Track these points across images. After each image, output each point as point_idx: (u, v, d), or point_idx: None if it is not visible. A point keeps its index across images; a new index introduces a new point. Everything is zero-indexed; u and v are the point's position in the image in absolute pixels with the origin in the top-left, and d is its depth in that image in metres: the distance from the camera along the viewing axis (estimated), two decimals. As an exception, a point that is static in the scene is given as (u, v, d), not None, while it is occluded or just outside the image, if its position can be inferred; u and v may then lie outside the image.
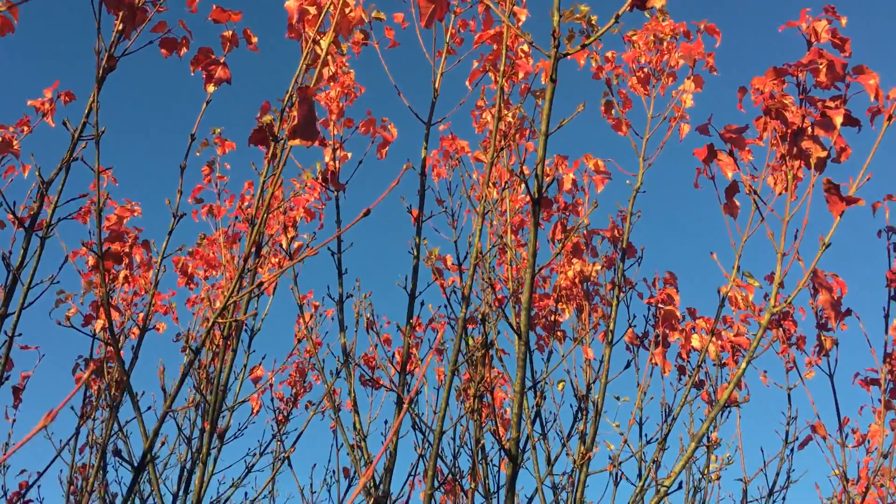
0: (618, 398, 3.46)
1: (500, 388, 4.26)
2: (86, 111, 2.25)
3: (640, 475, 2.79)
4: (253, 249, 1.67)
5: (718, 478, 4.22)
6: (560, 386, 3.52)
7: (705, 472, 3.66)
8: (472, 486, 2.27)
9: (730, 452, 4.18)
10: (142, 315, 4.90)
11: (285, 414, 4.90)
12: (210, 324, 1.64)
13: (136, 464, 1.74)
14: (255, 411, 4.63)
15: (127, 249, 3.31)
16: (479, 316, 2.25)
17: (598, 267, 3.40)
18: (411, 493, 2.77)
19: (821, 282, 2.83)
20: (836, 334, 3.46)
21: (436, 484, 2.40)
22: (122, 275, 3.36)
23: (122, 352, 3.60)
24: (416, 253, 3.06)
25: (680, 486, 2.20)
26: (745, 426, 3.68)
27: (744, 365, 2.08)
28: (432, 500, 2.26)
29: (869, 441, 3.25)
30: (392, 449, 2.84)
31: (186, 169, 2.46)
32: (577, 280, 3.77)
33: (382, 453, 2.27)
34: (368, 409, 4.47)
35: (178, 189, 2.38)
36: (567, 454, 2.92)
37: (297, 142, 1.50)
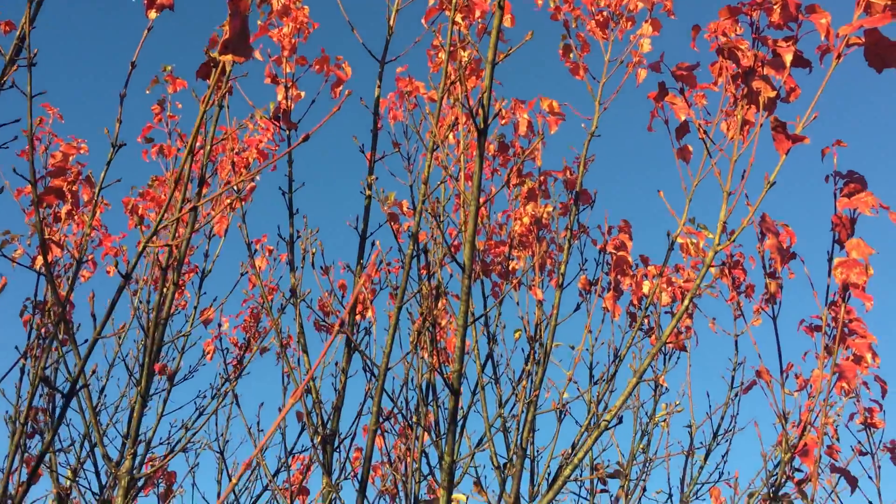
0: (572, 347, 3.48)
1: (453, 333, 4.27)
2: (18, 32, 2.15)
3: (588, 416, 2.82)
4: (187, 168, 1.61)
5: (667, 425, 4.31)
6: (517, 335, 3.54)
7: (652, 416, 3.72)
8: (415, 420, 2.27)
9: (679, 400, 4.27)
10: (91, 256, 4.80)
11: (239, 358, 4.87)
12: (141, 248, 1.59)
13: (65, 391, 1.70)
14: (209, 355, 4.59)
15: (69, 185, 3.21)
16: (423, 246, 2.22)
17: (551, 209, 3.39)
18: (355, 430, 2.77)
19: (768, 227, 2.86)
20: (784, 281, 3.51)
21: (380, 420, 2.39)
22: (64, 210, 3.26)
23: (61, 285, 3.53)
24: (367, 192, 3.02)
25: (620, 421, 2.23)
26: (694, 374, 3.77)
27: (686, 301, 2.09)
28: (376, 436, 2.26)
29: (811, 386, 3.31)
30: (340, 388, 2.83)
31: (138, 108, 2.38)
32: (532, 227, 3.76)
33: (309, 382, 2.21)
34: (322, 355, 4.46)
35: (118, 118, 2.29)
36: (517, 398, 2.94)
37: (229, 57, 1.44)
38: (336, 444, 2.82)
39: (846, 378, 3.16)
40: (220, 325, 3.79)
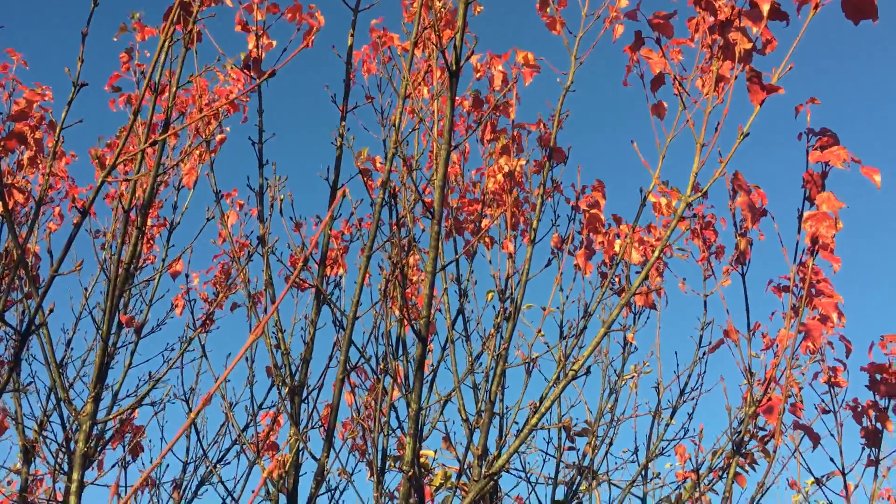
0: (543, 308, 3.48)
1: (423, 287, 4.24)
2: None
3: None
4: (143, 101, 1.56)
5: (635, 386, 4.34)
6: (489, 296, 3.53)
7: (620, 374, 3.75)
8: (382, 369, 2.26)
9: (647, 360, 4.30)
10: (58, 209, 4.71)
11: (208, 314, 4.83)
12: (100, 181, 1.54)
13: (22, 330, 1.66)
14: (177, 309, 4.54)
15: (32, 130, 3.12)
16: (391, 191, 2.19)
17: (524, 162, 3.37)
18: (324, 382, 2.76)
19: (740, 184, 2.86)
20: (754, 242, 3.53)
21: (348, 369, 2.38)
22: (27, 157, 3.18)
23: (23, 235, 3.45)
24: (339, 143, 2.97)
25: (588, 371, 2.23)
26: (663, 335, 3.79)
27: (657, 251, 2.09)
28: (343, 385, 2.25)
29: (777, 345, 3.35)
30: (309, 340, 2.81)
31: (107, 57, 2.31)
32: (505, 183, 3.74)
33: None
34: (294, 311, 4.44)
35: (79, 57, 2.22)
36: (487, 352, 2.94)
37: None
38: (304, 395, 2.80)
39: (812, 337, 3.19)
40: (187, 276, 3.74)
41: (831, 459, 3.21)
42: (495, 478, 2.14)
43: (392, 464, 3.53)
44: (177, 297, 4.64)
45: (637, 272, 3.72)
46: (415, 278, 3.89)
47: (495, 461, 2.11)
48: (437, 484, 3.66)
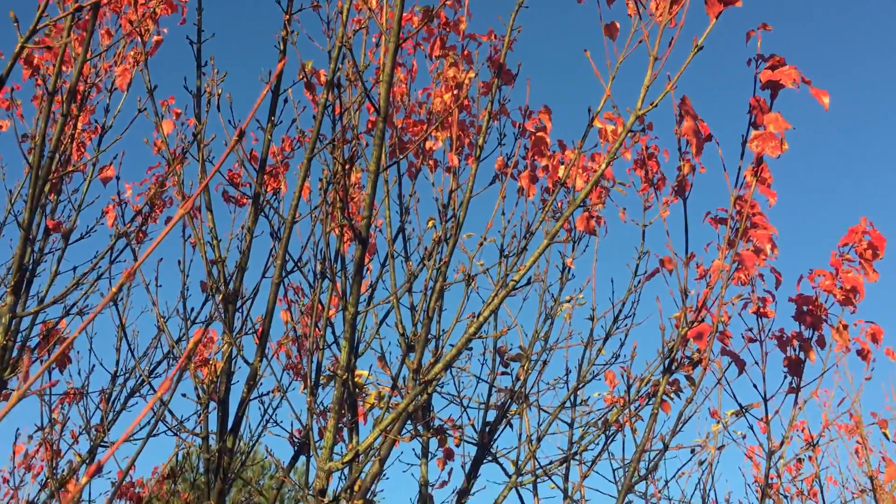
0: (485, 238, 3.47)
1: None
2: None
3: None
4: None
5: (570, 316, 4.40)
6: (430, 223, 3.49)
7: (557, 300, 3.79)
8: (319, 271, 2.22)
9: (584, 288, 4.34)
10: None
11: (141, 226, 4.69)
12: (18, 47, 1.43)
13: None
14: (108, 219, 4.38)
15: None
16: (336, 81, 2.11)
17: (473, 74, 3.31)
18: (258, 288, 2.70)
19: (687, 109, 2.86)
20: (695, 174, 3.56)
21: (284, 273, 2.33)
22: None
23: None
24: (282, 47, 2.85)
25: (529, 282, 2.23)
26: (601, 268, 3.83)
27: (604, 165, 2.07)
28: (279, 290, 2.20)
29: (710, 276, 3.42)
30: (245, 248, 2.74)
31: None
32: (452, 105, 3.67)
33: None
34: (231, 226, 4.33)
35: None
36: (427, 267, 2.91)
37: None
38: (239, 304, 2.75)
39: (745, 267, 3.26)
40: (118, 179, 3.60)
41: (754, 386, 3.32)
42: (430, 385, 2.13)
43: (326, 381, 3.52)
44: (108, 206, 4.49)
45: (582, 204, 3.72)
46: (356, 197, 3.83)
47: (431, 369, 2.10)
48: (371, 403, 3.67)
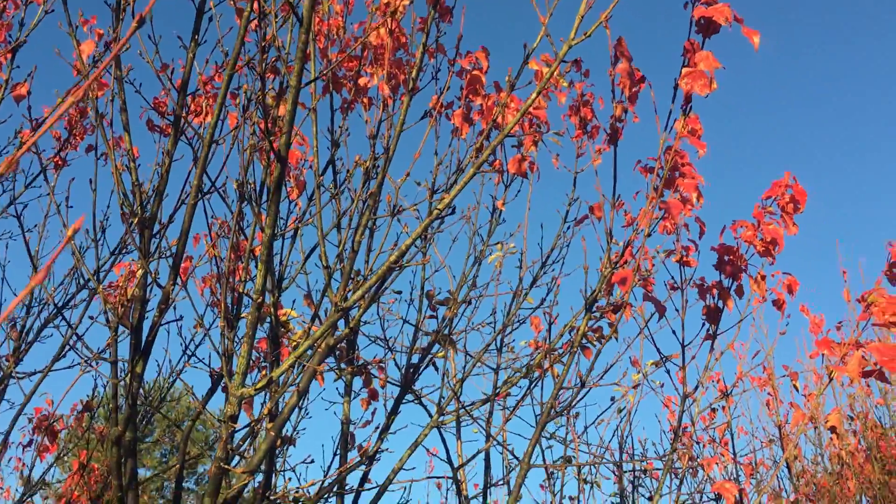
0: (418, 183, 3.41)
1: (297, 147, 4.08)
2: None
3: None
4: None
5: (500, 265, 4.41)
6: (360, 162, 3.41)
7: (486, 242, 3.78)
8: (238, 193, 2.15)
9: (514, 244, 4.35)
10: None
11: (59, 152, 4.49)
12: None
13: None
14: (23, 142, 4.18)
15: None
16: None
17: (408, 2, 3.22)
18: (175, 213, 2.60)
19: (622, 50, 2.84)
20: (627, 124, 3.57)
21: (200, 194, 2.24)
22: None
23: None
24: (209, -38, 2.71)
25: (454, 211, 2.20)
26: (532, 211, 3.81)
27: (534, 95, 2.04)
28: (195, 211, 2.12)
29: (637, 222, 3.45)
30: (164, 171, 2.64)
31: None
32: (388, 40, 3.58)
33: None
34: (156, 155, 4.17)
35: None
36: (353, 199, 2.85)
37: None
38: (156, 229, 2.65)
39: (671, 216, 3.30)
40: (29, 94, 3.41)
41: (673, 332, 3.39)
42: (348, 313, 2.09)
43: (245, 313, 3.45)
44: (25, 132, 4.28)
45: (514, 146, 3.70)
46: (282, 125, 3.72)
47: (350, 296, 2.06)
48: (296, 341, 3.62)
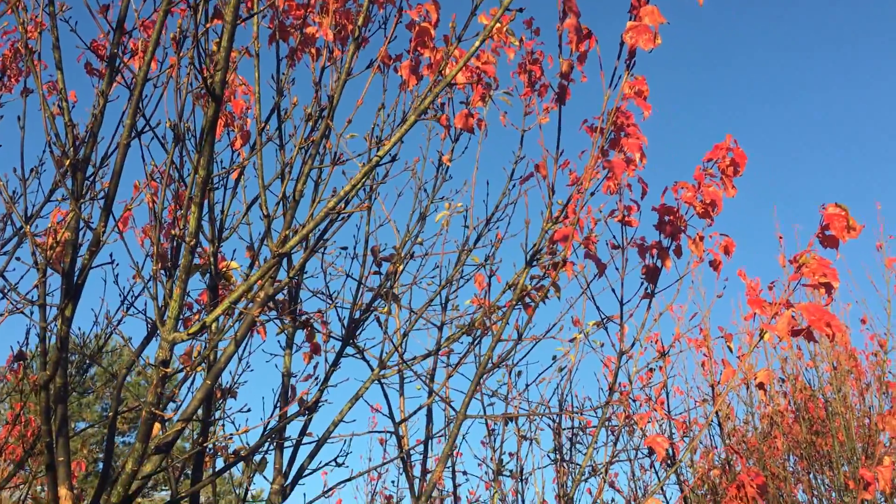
0: (366, 139, 3.37)
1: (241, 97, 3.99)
2: None
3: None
4: None
5: (447, 224, 4.41)
6: (306, 110, 3.35)
7: (432, 198, 3.77)
8: (170, 125, 2.09)
9: (461, 202, 4.35)
10: None
11: (-8, 94, 4.32)
12: None
13: None
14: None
15: None
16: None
17: (354, -54, 3.15)
18: (110, 154, 2.53)
19: (570, 6, 2.83)
20: (575, 84, 3.58)
21: (133, 133, 2.17)
22: None
23: None
24: None
25: (395, 158, 2.18)
26: (479, 176, 3.81)
27: (477, 43, 2.02)
28: (127, 151, 2.06)
29: (581, 182, 3.48)
30: (98, 112, 2.56)
31: None
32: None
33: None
34: (94, 99, 4.04)
35: None
36: (295, 147, 2.81)
37: None
38: (90, 172, 2.57)
39: (614, 175, 3.33)
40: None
41: (613, 291, 3.44)
42: (285, 258, 2.07)
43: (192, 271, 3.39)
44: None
45: (461, 102, 3.68)
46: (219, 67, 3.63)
47: (287, 241, 2.04)
48: (238, 295, 3.58)
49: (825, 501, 4.88)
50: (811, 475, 5.02)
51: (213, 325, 2.79)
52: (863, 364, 5.50)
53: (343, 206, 2.02)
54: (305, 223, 2.05)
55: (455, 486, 4.83)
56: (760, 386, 2.92)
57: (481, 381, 3.37)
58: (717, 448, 5.20)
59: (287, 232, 2.12)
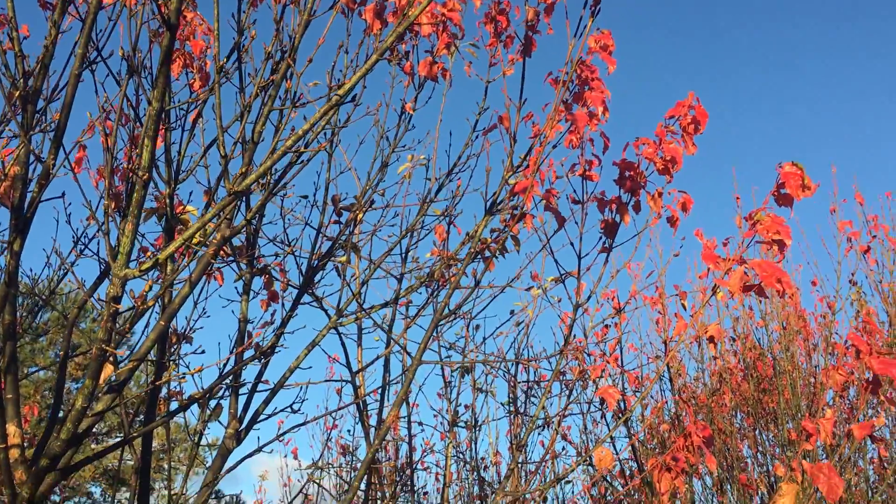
0: (330, 86, 3.31)
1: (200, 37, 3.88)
2: None
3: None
4: None
5: (409, 175, 4.38)
6: (266, 49, 3.27)
7: (394, 146, 3.74)
8: (123, 54, 2.03)
9: (424, 154, 4.32)
10: None
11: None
12: None
13: None
14: None
15: None
16: None
17: None
18: (63, 85, 2.45)
19: (538, -48, 2.80)
20: (542, 35, 3.56)
21: (86, 63, 2.11)
22: None
23: None
24: None
25: (355, 100, 2.15)
26: (444, 126, 3.77)
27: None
28: (79, 80, 2.00)
29: (544, 135, 3.47)
30: (48, 42, 2.47)
31: None
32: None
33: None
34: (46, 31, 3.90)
35: None
36: (255, 89, 2.75)
37: None
38: (41, 106, 2.50)
39: (577, 128, 3.34)
40: None
41: (571, 244, 3.47)
42: (239, 196, 2.04)
43: (148, 213, 3.34)
44: None
45: (427, 51, 3.63)
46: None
47: (242, 180, 2.01)
48: (192, 232, 3.53)
49: (769, 456, 5.04)
50: (756, 431, 5.18)
51: (169, 267, 2.75)
52: (811, 325, 5.64)
53: (303, 148, 1.99)
54: (263, 162, 2.01)
55: (411, 436, 4.89)
56: (711, 339, 2.98)
57: (438, 328, 3.39)
58: (667, 402, 5.33)
59: (244, 169, 2.09)
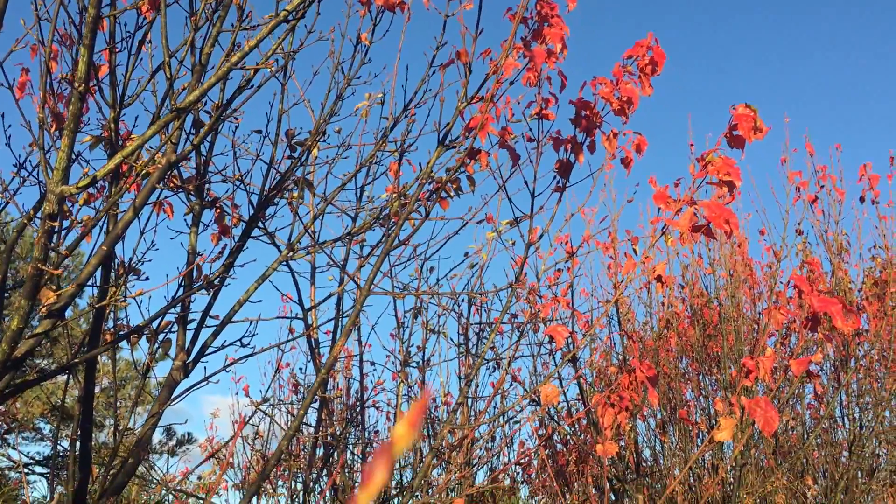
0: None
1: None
2: None
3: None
4: None
5: (366, 114, 4.31)
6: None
7: (349, 78, 3.67)
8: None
9: (383, 91, 4.24)
10: None
11: None
12: None
13: None
14: None
15: None
16: None
17: None
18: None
19: None
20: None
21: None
22: None
23: None
24: None
25: (303, 15, 2.08)
26: (401, 63, 3.69)
27: None
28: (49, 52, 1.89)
29: (502, 72, 3.43)
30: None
31: None
32: None
33: None
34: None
35: None
36: (210, 20, 2.65)
37: None
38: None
39: (535, 65, 3.30)
40: None
41: (525, 183, 3.46)
42: (182, 114, 1.98)
43: (94, 143, 3.24)
44: None
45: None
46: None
47: (186, 97, 1.94)
48: (132, 149, 3.44)
49: (710, 399, 5.18)
50: (700, 375, 5.31)
51: (114, 191, 2.68)
52: (758, 274, 5.76)
53: (251, 67, 1.93)
54: (209, 81, 1.95)
55: (362, 376, 4.90)
56: (659, 279, 3.01)
57: (391, 265, 3.37)
58: (615, 346, 5.43)
59: (190, 87, 2.02)
